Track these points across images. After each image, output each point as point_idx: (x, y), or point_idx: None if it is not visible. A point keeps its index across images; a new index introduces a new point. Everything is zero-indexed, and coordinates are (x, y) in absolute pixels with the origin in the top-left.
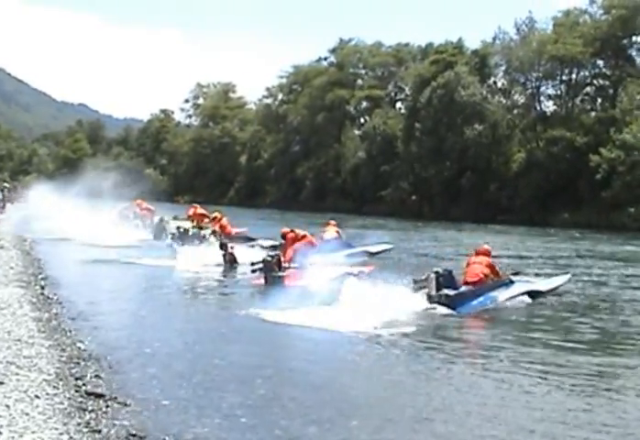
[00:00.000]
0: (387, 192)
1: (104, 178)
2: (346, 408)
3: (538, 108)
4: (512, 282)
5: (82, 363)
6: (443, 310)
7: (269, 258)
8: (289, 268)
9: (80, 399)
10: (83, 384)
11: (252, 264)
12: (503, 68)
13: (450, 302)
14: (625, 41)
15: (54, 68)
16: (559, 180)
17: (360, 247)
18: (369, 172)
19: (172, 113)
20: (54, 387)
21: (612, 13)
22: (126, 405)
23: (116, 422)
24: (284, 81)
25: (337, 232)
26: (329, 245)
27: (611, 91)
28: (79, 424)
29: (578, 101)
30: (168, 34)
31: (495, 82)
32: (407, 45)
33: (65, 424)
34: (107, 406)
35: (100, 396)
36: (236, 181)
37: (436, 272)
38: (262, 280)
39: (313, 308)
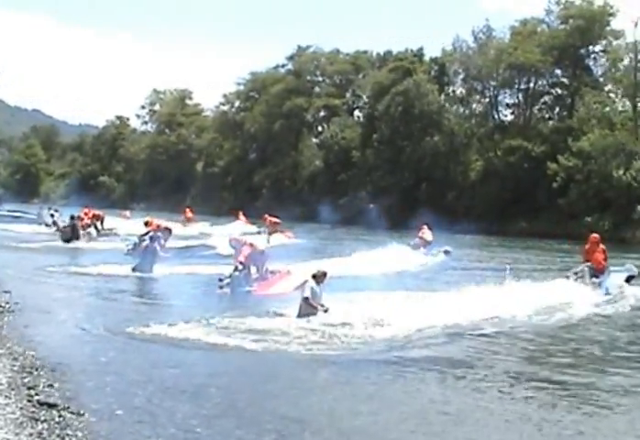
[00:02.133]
0: (344, 200)
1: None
2: (305, 418)
3: (496, 117)
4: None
5: (35, 372)
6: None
7: (236, 273)
8: (258, 279)
9: (32, 409)
10: (36, 394)
11: (220, 280)
12: (462, 76)
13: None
14: (583, 51)
15: (7, 71)
16: (517, 189)
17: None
18: (326, 181)
19: (128, 119)
20: (6, 396)
21: (569, 22)
22: (79, 415)
23: (69, 432)
24: (241, 88)
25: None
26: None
27: (568, 100)
28: (31, 435)
29: (535, 110)
30: (121, 37)
31: (454, 91)
32: (366, 52)
33: (17, 435)
34: (60, 416)
35: (53, 406)
36: (192, 189)
37: (589, 266)
38: (228, 292)
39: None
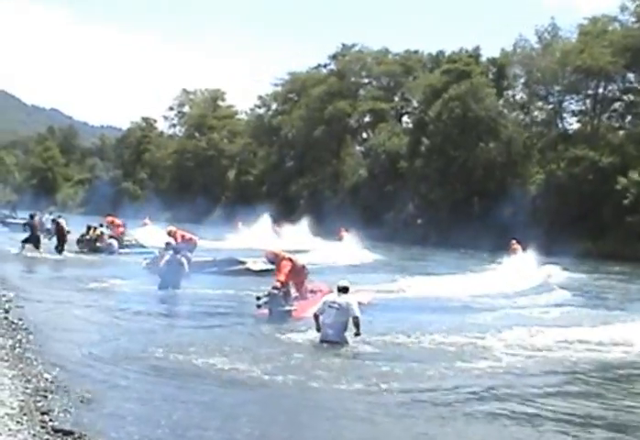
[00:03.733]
0: (389, 215)
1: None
2: None
3: (560, 125)
4: None
5: (50, 396)
6: None
7: (275, 291)
8: (297, 298)
9: (46, 436)
10: (50, 419)
11: (257, 298)
12: (523, 80)
13: None
14: None
15: (24, 68)
16: (581, 204)
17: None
18: (370, 192)
19: (155, 121)
20: (17, 422)
21: None
22: None
23: None
24: (279, 89)
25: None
26: None
27: None
28: None
29: (604, 118)
30: (148, 35)
31: (513, 96)
32: (417, 52)
33: None
34: None
35: (69, 433)
36: (224, 199)
37: None
38: (266, 312)
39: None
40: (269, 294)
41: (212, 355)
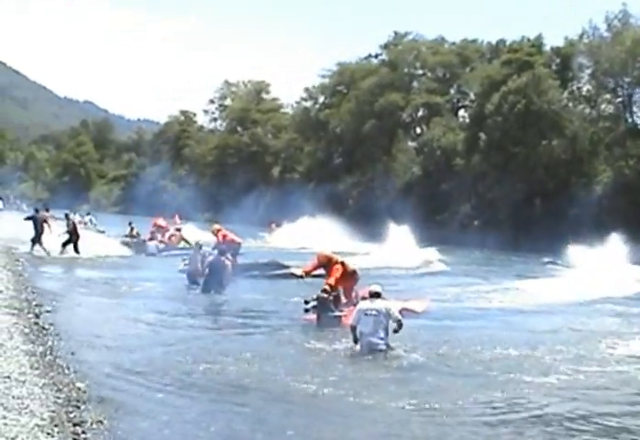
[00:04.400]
0: (443, 215)
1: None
2: None
3: (629, 120)
4: None
5: (82, 406)
6: None
7: (324, 295)
8: (348, 304)
9: None
10: (83, 431)
11: (306, 302)
12: (590, 71)
13: None
14: None
15: (57, 58)
16: None
17: None
18: (423, 191)
19: (194, 115)
20: (48, 434)
21: None
22: None
23: None
24: (326, 81)
25: None
26: None
27: None
28: None
29: None
30: (188, 23)
31: (579, 88)
32: (474, 41)
33: None
34: None
35: None
36: (268, 197)
37: None
38: (314, 318)
39: None
40: (317, 298)
41: (251, 365)
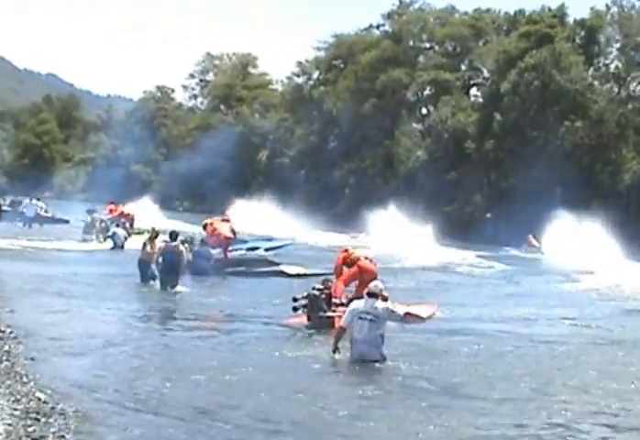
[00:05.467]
0: (452, 206)
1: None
2: None
3: None
4: None
5: (43, 419)
6: None
7: (316, 293)
8: (341, 305)
9: None
10: None
11: (294, 300)
12: (618, 45)
13: None
14: None
15: (15, 26)
16: None
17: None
18: (430, 179)
19: (172, 91)
20: None
21: None
22: None
23: None
24: (322, 54)
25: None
26: None
27: None
28: None
29: None
30: None
31: (606, 65)
32: (489, 11)
33: None
34: None
35: None
36: (254, 184)
37: None
38: (304, 319)
39: None
40: (308, 296)
41: (228, 377)
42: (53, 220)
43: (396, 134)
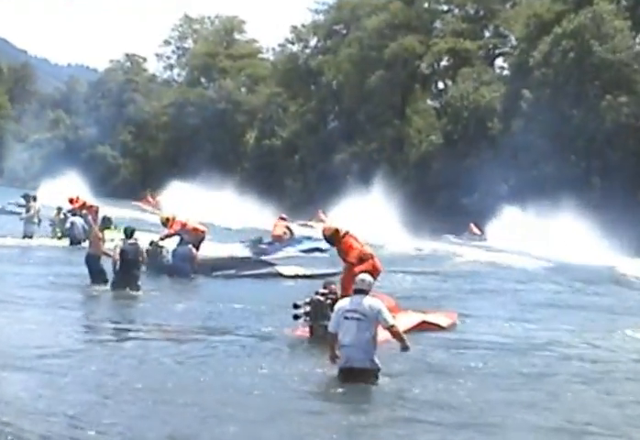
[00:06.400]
0: (472, 197)
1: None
2: None
3: None
4: None
5: None
6: None
7: (320, 298)
8: None
9: None
10: None
11: (295, 306)
12: None
13: None
14: None
15: None
16: None
17: None
18: (446, 165)
19: (144, 60)
20: None
21: None
22: None
23: None
24: (320, 18)
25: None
26: None
27: None
28: None
29: None
30: None
31: None
32: None
33: None
34: None
35: None
36: (238, 171)
37: None
38: (307, 331)
39: None
40: (311, 302)
41: (213, 402)
42: None
43: (407, 112)
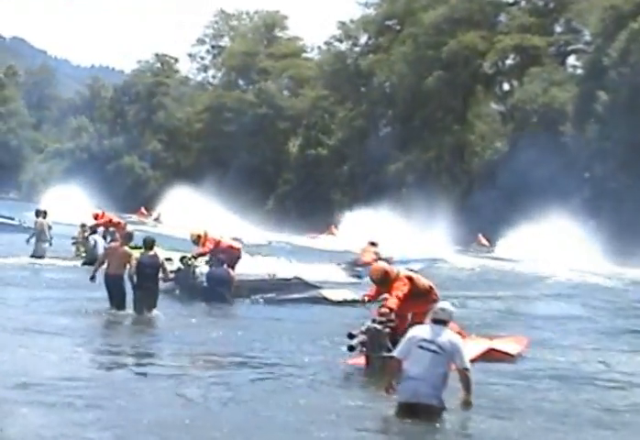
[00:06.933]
0: (540, 211)
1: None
2: None
3: None
4: None
5: None
6: None
7: (376, 326)
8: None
9: None
10: None
11: (350, 336)
12: None
13: None
14: None
15: None
16: None
17: None
18: (513, 175)
19: (176, 61)
20: None
21: None
22: None
23: None
24: (371, 13)
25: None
26: None
27: None
28: None
29: None
30: None
31: None
32: None
33: None
34: None
35: None
36: (281, 183)
37: None
38: (363, 361)
39: None
40: (367, 331)
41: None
42: None
43: (468, 117)
